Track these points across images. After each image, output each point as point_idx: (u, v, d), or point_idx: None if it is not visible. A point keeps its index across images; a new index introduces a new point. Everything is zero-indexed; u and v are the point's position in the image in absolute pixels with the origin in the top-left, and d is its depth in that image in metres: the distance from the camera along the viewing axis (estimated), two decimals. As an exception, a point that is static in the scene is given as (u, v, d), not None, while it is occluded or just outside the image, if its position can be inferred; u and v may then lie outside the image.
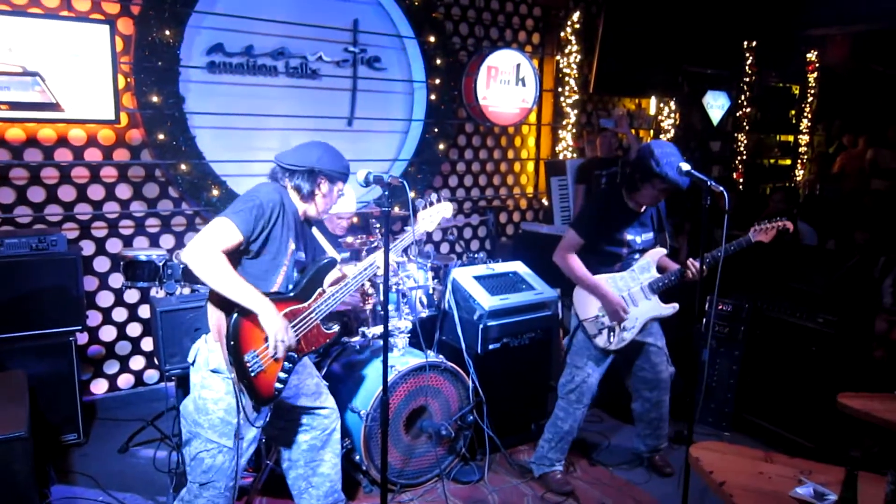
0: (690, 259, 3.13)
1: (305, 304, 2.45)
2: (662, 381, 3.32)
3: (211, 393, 2.34)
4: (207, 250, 2.17)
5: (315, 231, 2.71)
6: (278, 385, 2.37)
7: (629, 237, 3.16)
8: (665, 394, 3.35)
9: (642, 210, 3.16)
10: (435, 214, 2.82)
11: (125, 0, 3.94)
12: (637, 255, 3.21)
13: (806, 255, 4.82)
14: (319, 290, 2.51)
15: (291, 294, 2.43)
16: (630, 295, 3.17)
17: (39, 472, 2.88)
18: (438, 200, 2.85)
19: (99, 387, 4.19)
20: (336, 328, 2.60)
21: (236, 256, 2.32)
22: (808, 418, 3.65)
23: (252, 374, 2.30)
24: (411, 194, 2.75)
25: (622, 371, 3.42)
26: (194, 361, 2.40)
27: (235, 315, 2.25)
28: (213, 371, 2.34)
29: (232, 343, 2.25)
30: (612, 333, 3.18)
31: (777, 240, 3.15)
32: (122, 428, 3.82)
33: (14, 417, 2.59)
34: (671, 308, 3.22)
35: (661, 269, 3.23)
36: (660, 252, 3.23)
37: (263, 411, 2.46)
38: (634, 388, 3.41)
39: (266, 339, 2.30)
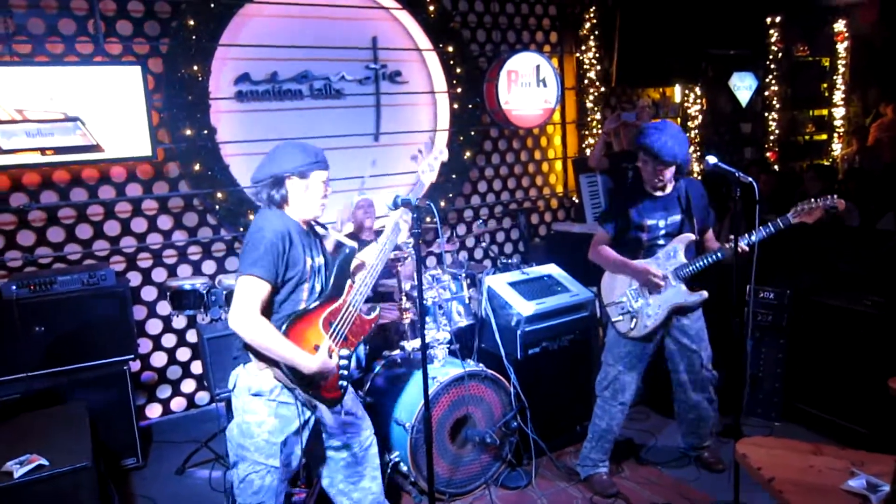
0: (729, 238, 2.97)
1: (342, 300, 2.49)
2: (698, 382, 3.27)
3: (254, 416, 2.40)
4: (249, 318, 2.24)
5: (329, 229, 2.71)
6: (342, 383, 2.46)
7: (650, 221, 3.13)
8: (701, 396, 3.30)
9: (665, 193, 3.13)
10: (434, 161, 2.78)
11: (154, 41, 4.10)
12: (661, 241, 3.16)
13: (849, 236, 4.68)
14: (349, 282, 2.54)
15: (326, 296, 2.47)
16: None
17: (104, 497, 3.02)
18: (429, 150, 2.80)
19: (153, 411, 4.35)
20: (378, 310, 2.63)
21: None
22: (861, 404, 3.56)
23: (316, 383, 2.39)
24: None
25: (664, 367, 3.39)
26: (234, 387, 2.47)
27: None
28: (255, 395, 2.39)
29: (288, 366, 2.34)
30: (633, 319, 3.16)
31: (825, 220, 2.93)
32: (178, 450, 3.94)
33: (78, 448, 2.73)
34: (698, 296, 3.11)
35: (702, 253, 3.14)
36: (687, 237, 3.15)
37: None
38: (673, 387, 3.39)
39: (316, 348, 2.36)
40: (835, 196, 2.89)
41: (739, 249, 2.89)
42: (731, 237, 2.90)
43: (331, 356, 2.39)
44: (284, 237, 2.33)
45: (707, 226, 3.25)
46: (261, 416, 2.40)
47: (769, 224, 2.91)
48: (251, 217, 4.39)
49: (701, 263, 3.07)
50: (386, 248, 2.60)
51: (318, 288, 2.49)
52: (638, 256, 3.17)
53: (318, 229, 2.65)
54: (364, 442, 2.73)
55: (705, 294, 3.13)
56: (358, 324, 2.53)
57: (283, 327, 2.31)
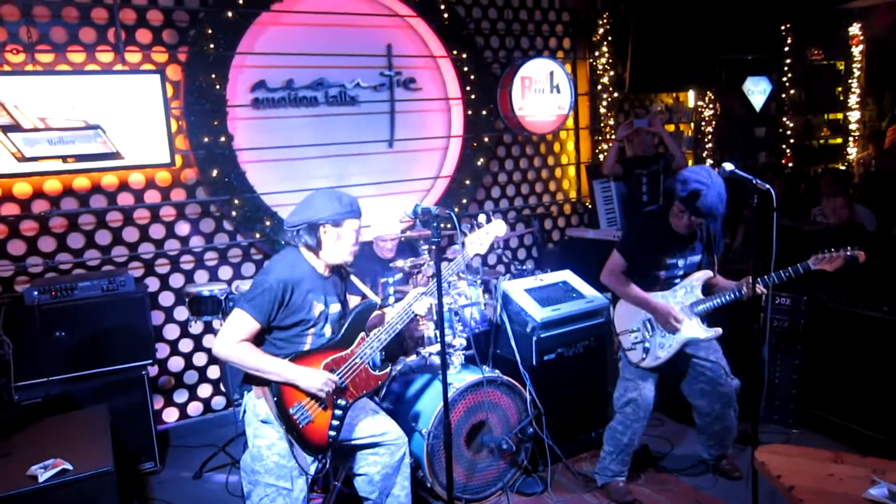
0: (747, 279, 2.94)
1: (348, 351, 2.55)
2: (722, 395, 3.24)
3: (264, 440, 2.48)
4: (229, 345, 2.38)
5: (354, 279, 2.77)
6: (331, 433, 2.50)
7: (670, 261, 3.11)
8: (727, 408, 3.27)
9: (687, 233, 3.08)
10: (485, 236, 2.73)
11: (172, 49, 4.15)
12: (678, 280, 3.16)
13: (865, 241, 4.64)
14: (361, 334, 2.59)
15: (333, 343, 2.54)
16: None
17: (125, 502, 3.05)
18: (488, 220, 2.74)
19: (170, 415, 4.38)
20: (387, 370, 2.66)
21: (265, 331, 2.48)
22: (879, 411, 3.53)
23: (301, 426, 2.44)
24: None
25: (679, 380, 3.37)
26: (244, 417, 2.54)
27: None
28: (263, 422, 2.48)
29: (276, 399, 2.40)
30: (645, 351, 3.15)
31: (843, 269, 2.89)
32: (195, 454, 3.98)
33: (100, 452, 2.76)
34: (713, 332, 3.10)
35: (710, 289, 3.13)
36: (706, 274, 3.14)
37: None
38: (694, 401, 3.35)
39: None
40: (856, 248, 2.89)
41: (757, 291, 2.87)
42: (749, 279, 2.87)
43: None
44: (287, 285, 2.42)
45: (719, 253, 3.24)
46: (270, 439, 2.48)
47: (789, 269, 2.90)
48: (267, 223, 4.43)
49: (718, 301, 3.06)
50: (409, 311, 2.65)
51: (327, 333, 2.56)
52: (654, 290, 3.15)
53: (352, 277, 2.74)
54: (397, 452, 2.72)
55: (720, 331, 3.11)
56: (363, 377, 2.58)
57: None
